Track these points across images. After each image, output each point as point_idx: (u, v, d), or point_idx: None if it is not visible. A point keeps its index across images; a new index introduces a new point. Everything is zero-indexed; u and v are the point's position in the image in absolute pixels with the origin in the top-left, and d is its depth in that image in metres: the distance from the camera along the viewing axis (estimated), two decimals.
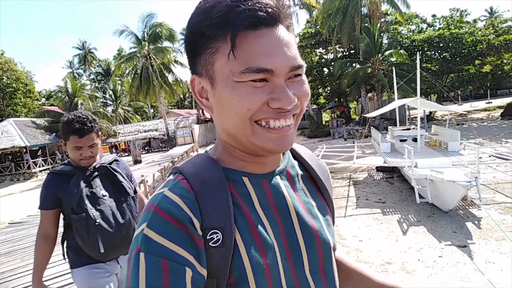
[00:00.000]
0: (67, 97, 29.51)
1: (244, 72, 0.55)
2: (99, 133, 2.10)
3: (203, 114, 35.46)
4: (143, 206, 2.10)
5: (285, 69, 0.57)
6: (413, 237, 6.06)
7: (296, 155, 0.78)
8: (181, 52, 28.32)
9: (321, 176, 0.76)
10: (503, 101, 26.20)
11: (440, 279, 4.61)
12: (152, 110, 50.16)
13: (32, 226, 7.05)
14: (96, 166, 2.06)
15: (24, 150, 25.25)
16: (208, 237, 0.57)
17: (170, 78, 27.56)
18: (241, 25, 0.54)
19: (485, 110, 24.47)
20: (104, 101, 45.22)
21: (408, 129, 11.29)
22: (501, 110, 21.60)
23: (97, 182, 2.03)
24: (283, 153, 0.74)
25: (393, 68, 11.72)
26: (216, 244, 0.58)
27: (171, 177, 0.65)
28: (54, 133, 29.13)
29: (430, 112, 22.59)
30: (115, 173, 2.10)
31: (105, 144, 29.46)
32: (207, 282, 0.58)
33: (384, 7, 20.78)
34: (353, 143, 15.21)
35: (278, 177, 0.69)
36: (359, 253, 5.64)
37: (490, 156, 10.76)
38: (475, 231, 5.98)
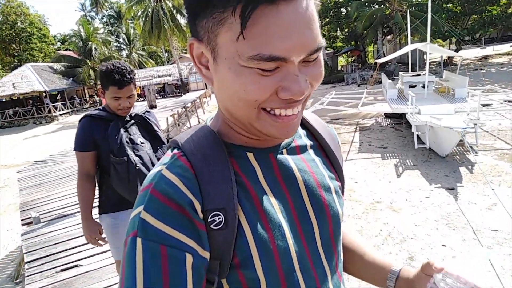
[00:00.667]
0: (81, 42, 29.66)
1: (253, 59, 0.47)
2: (136, 83, 2.13)
3: None
4: None
5: (302, 55, 0.49)
6: (406, 180, 6.40)
7: (305, 123, 0.74)
8: None
9: (331, 145, 0.73)
10: None
11: (422, 217, 5.01)
12: (166, 55, 49.75)
13: (54, 164, 7.86)
14: (132, 115, 2.12)
15: (44, 94, 26.10)
16: (209, 219, 0.54)
17: (182, 21, 26.99)
18: (256, 0, 0.45)
19: (507, 54, 23.38)
20: (118, 45, 45.00)
21: (419, 75, 11.16)
22: None
23: (134, 129, 2.10)
24: None
25: (408, 10, 11.23)
26: (219, 227, 0.55)
27: (169, 151, 0.61)
28: (71, 78, 29.72)
29: (449, 57, 21.75)
30: (150, 122, 2.17)
31: None
32: (209, 264, 0.56)
33: None
34: (366, 88, 15.13)
35: (285, 150, 0.65)
36: (352, 193, 6.05)
37: (502, 102, 10.71)
38: (466, 175, 6.26)
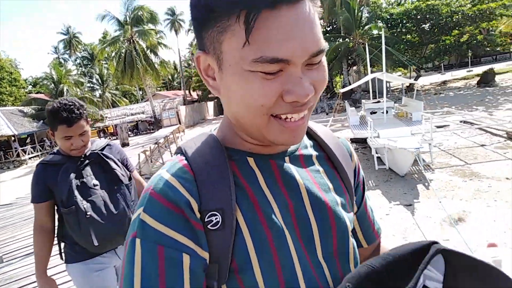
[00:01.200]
0: (52, 84, 29.52)
1: (257, 61, 0.48)
2: (88, 119, 1.96)
3: (190, 94, 35.64)
4: (141, 191, 2.12)
5: (304, 57, 0.49)
6: None
7: (312, 134, 0.73)
8: (164, 34, 28.36)
9: (339, 156, 0.71)
10: (484, 68, 26.77)
11: (382, 234, 5.22)
12: (141, 92, 50.04)
13: (20, 207, 7.84)
14: (87, 154, 1.94)
15: (13, 138, 25.49)
16: (206, 220, 0.55)
17: (155, 60, 27.62)
18: (260, 5, 0.46)
19: (464, 78, 25.04)
20: (91, 85, 45.01)
21: (379, 101, 11.80)
22: (478, 79, 22.17)
23: (88, 170, 1.91)
24: None
25: (366, 43, 12.08)
26: (215, 227, 0.55)
27: (173, 157, 0.63)
28: (42, 121, 29.24)
29: (410, 84, 23.10)
30: (107, 159, 1.97)
31: (93, 128, 29.75)
32: (208, 268, 0.55)
33: None
34: (333, 116, 15.76)
35: (287, 158, 0.65)
36: None
37: (459, 123, 11.40)
38: (423, 192, 6.59)
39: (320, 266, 0.62)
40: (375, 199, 6.59)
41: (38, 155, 27.63)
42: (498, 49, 22.25)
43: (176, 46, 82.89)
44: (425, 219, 5.41)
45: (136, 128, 31.91)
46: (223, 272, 0.56)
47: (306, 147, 0.69)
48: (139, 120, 31.51)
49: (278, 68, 0.49)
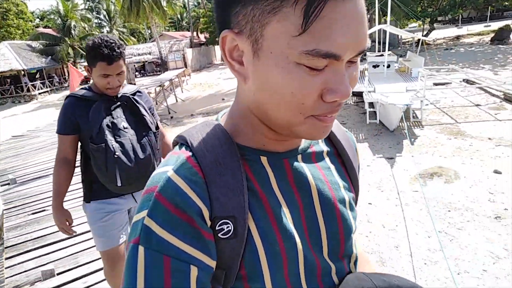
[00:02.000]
0: (60, 19, 29.21)
1: (308, 54, 0.43)
2: (125, 59, 1.94)
3: (198, 37, 34.94)
4: (165, 146, 2.16)
5: (354, 53, 0.46)
6: None
7: None
8: None
9: (348, 152, 0.69)
10: (503, 24, 25.69)
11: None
12: (149, 31, 49.08)
13: (31, 138, 8.54)
14: (119, 96, 1.94)
15: (22, 73, 25.84)
16: (217, 228, 0.51)
17: None
18: None
19: (479, 34, 24.17)
20: (99, 22, 44.18)
21: (382, 55, 11.74)
22: (493, 35, 21.42)
23: (119, 112, 1.91)
24: None
25: None
26: (227, 236, 0.51)
27: (177, 149, 0.57)
28: (50, 56, 29.36)
29: (424, 36, 22.46)
30: (138, 105, 1.96)
31: None
32: (215, 273, 0.52)
33: None
34: None
35: (300, 156, 0.62)
36: None
37: (461, 81, 11.42)
38: (407, 147, 6.96)
39: (329, 267, 0.62)
40: (360, 151, 6.97)
41: (47, 91, 28.16)
42: None
43: None
44: (401, 172, 5.83)
45: (143, 69, 31.87)
46: (230, 278, 0.54)
47: (317, 142, 0.67)
48: (146, 61, 31.36)
49: (326, 63, 0.45)
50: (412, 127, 8.13)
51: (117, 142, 1.82)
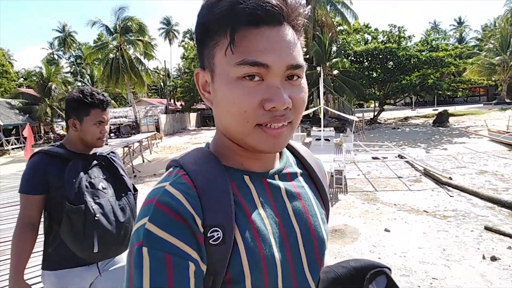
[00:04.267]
0: (41, 81, 30.74)
1: (239, 64, 0.56)
2: None
3: (175, 104, 37.06)
4: None
5: (282, 67, 0.57)
6: None
7: (295, 153, 0.81)
8: (152, 45, 29.84)
9: (318, 174, 0.79)
10: (449, 108, 28.91)
11: None
12: (133, 95, 51.34)
13: None
14: (96, 154, 1.86)
15: None
16: (208, 235, 0.58)
17: (141, 68, 29.09)
18: (241, 22, 0.55)
19: (425, 116, 27.07)
20: (82, 85, 46.15)
21: (323, 130, 13.45)
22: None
23: (96, 172, 1.81)
24: (281, 152, 0.77)
25: (320, 77, 13.72)
26: (216, 242, 0.58)
27: (171, 170, 0.66)
28: (28, 114, 30.33)
29: (374, 116, 25.16)
30: (116, 165, 1.89)
31: None
32: (204, 278, 0.58)
33: (336, 17, 22.84)
34: (291, 139, 17.39)
35: (277, 176, 0.72)
36: None
37: (396, 156, 13.03)
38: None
39: (305, 277, 0.69)
40: None
41: (21, 147, 28.58)
42: (456, 92, 24.46)
43: (169, 55, 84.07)
44: None
45: (118, 131, 33.13)
46: (217, 283, 0.60)
47: (291, 165, 0.77)
48: (121, 124, 32.81)
49: (258, 72, 0.57)
50: (338, 192, 9.37)
51: (96, 203, 1.69)
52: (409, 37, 23.60)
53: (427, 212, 7.43)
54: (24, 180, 1.68)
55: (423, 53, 23.09)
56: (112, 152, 1.98)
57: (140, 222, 0.58)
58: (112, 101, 46.20)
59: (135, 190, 1.96)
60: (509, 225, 6.43)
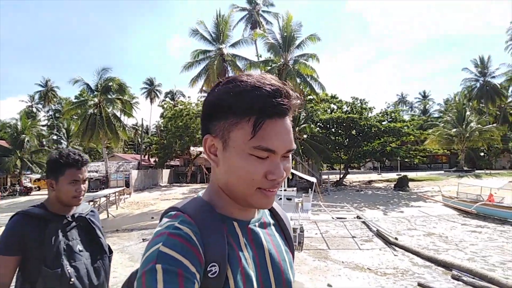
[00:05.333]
0: (15, 134, 30.75)
1: (256, 148, 0.71)
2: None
3: (149, 160, 37.30)
4: None
5: (284, 151, 0.75)
6: None
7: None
8: (130, 103, 30.96)
9: (286, 224, 0.96)
10: (412, 174, 30.45)
11: None
12: (107, 151, 51.20)
13: None
14: (75, 216, 1.85)
15: None
16: (208, 269, 0.70)
17: (117, 125, 29.76)
18: (264, 117, 0.71)
19: (388, 180, 28.44)
20: (58, 138, 45.98)
21: (286, 190, 14.10)
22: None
23: (74, 234, 1.81)
24: None
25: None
26: (214, 276, 0.70)
27: (174, 213, 0.77)
28: None
29: (340, 178, 26.33)
30: (94, 226, 1.90)
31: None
32: None
33: (305, 88, 24.71)
34: None
35: (257, 224, 0.86)
36: None
37: (354, 217, 13.64)
38: None
39: None
40: None
41: None
42: (412, 159, 26.29)
43: (149, 113, 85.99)
44: None
45: (88, 186, 32.72)
46: None
47: (266, 216, 0.93)
48: (91, 178, 32.56)
49: (267, 155, 0.73)
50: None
51: (71, 266, 1.71)
52: (370, 108, 25.85)
53: (370, 269, 7.90)
54: (1, 241, 1.67)
55: (384, 123, 25.15)
56: (92, 211, 2.00)
57: (152, 249, 0.67)
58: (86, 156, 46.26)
59: (110, 251, 1.96)
60: (439, 282, 6.97)
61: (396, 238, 10.15)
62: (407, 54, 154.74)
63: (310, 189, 15.17)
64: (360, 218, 13.27)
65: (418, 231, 11.97)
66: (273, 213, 0.96)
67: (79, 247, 1.79)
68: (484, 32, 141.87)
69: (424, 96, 67.68)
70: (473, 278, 6.82)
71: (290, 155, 0.80)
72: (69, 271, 1.68)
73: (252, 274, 0.76)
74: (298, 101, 0.78)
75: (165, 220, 0.76)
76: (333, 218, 13.20)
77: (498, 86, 44.30)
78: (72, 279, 1.68)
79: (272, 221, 0.93)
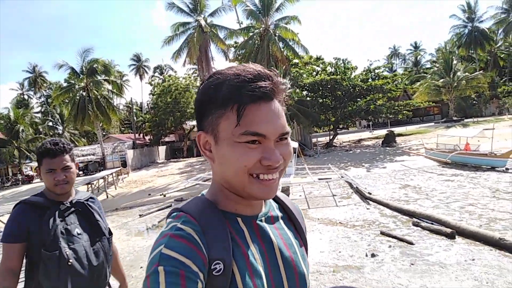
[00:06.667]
0: (9, 124, 31.14)
1: (243, 134, 0.70)
2: (74, 158, 1.99)
3: (144, 138, 37.85)
4: (114, 252, 2.15)
5: (275, 135, 0.73)
6: None
7: (277, 200, 0.94)
8: (117, 83, 31.11)
9: (297, 217, 0.93)
10: (403, 129, 31.04)
11: None
12: (104, 133, 51.66)
13: None
14: (73, 202, 1.95)
15: None
16: (212, 267, 0.69)
17: (107, 107, 29.93)
18: (245, 101, 0.70)
19: (376, 138, 29.09)
20: (53, 124, 46.32)
21: None
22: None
23: (72, 218, 1.90)
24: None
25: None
26: (218, 274, 0.70)
27: (177, 214, 0.78)
28: None
29: (330, 140, 27.07)
30: (92, 210, 1.98)
31: None
32: None
33: (289, 52, 24.71)
34: None
35: (263, 218, 0.84)
36: None
37: (339, 177, 14.35)
38: None
39: None
40: None
41: None
42: (396, 115, 26.88)
43: (141, 90, 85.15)
44: None
45: (86, 169, 33.53)
46: None
47: (274, 209, 0.91)
48: (90, 161, 33.34)
49: (257, 139, 0.72)
50: None
51: (70, 249, 1.79)
52: (353, 67, 25.95)
53: (341, 223, 8.65)
54: (6, 230, 1.80)
55: (370, 80, 25.38)
56: (91, 197, 2.09)
57: (156, 251, 0.68)
58: (82, 139, 46.92)
59: (110, 233, 2.05)
60: (399, 229, 7.73)
61: (369, 193, 10.87)
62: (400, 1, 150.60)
63: (294, 154, 15.81)
64: (343, 177, 13.98)
65: (396, 184, 12.70)
66: (282, 205, 0.95)
67: (77, 230, 1.87)
68: None
69: (416, 47, 66.96)
70: (430, 223, 7.57)
71: (289, 139, 0.79)
72: (67, 253, 1.76)
73: (261, 269, 0.76)
74: (284, 85, 0.78)
75: (168, 221, 0.77)
76: (314, 181, 13.89)
77: (487, 30, 43.94)
78: (71, 260, 1.76)
79: (280, 214, 0.91)
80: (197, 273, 0.66)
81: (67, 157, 1.90)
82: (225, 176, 0.78)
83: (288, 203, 0.95)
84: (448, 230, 6.96)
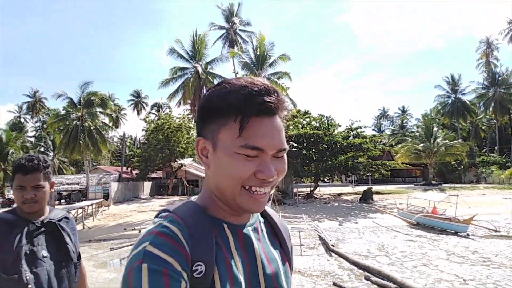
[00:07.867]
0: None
1: (243, 147, 0.71)
2: (50, 177, 1.87)
3: (131, 172, 38.19)
4: (81, 277, 2.04)
5: (273, 150, 0.74)
6: None
7: (265, 215, 0.94)
8: (112, 117, 31.97)
9: (283, 234, 0.93)
10: (383, 188, 31.93)
11: None
12: (94, 163, 51.84)
13: None
14: (44, 221, 1.82)
15: None
16: (193, 268, 0.69)
17: (99, 139, 30.57)
18: (250, 114, 0.71)
19: (356, 193, 29.84)
20: (44, 150, 46.57)
21: None
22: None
23: (41, 239, 1.78)
24: None
25: None
26: (199, 276, 0.69)
27: (164, 214, 0.78)
28: None
29: (311, 191, 27.87)
30: (63, 232, 1.86)
31: None
32: None
33: None
34: None
35: (250, 228, 0.84)
36: None
37: (312, 228, 14.81)
38: None
39: None
40: None
41: None
42: (374, 173, 28.08)
43: (138, 125, 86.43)
44: None
45: (69, 197, 33.48)
46: None
47: (260, 222, 0.91)
48: (74, 190, 33.39)
49: (255, 154, 0.72)
50: None
51: (32, 272, 1.68)
52: (335, 125, 27.42)
53: (300, 271, 9.14)
54: None
55: (350, 138, 26.72)
56: (65, 217, 1.96)
57: (139, 248, 0.67)
58: (71, 168, 47.01)
59: (79, 258, 1.96)
60: (351, 282, 8.26)
61: (333, 245, 11.44)
62: (392, 68, 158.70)
63: (269, 201, 16.44)
64: (314, 228, 14.50)
65: (362, 240, 13.29)
66: (269, 220, 0.94)
67: (43, 252, 1.76)
68: (467, 45, 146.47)
69: (403, 111, 70.24)
70: (379, 278, 8.14)
71: (285, 156, 0.80)
72: (27, 277, 1.64)
73: (241, 278, 0.76)
74: (287, 103, 0.79)
75: (155, 220, 0.77)
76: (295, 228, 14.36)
77: (468, 103, 46.63)
78: (30, 286, 1.64)
79: (265, 229, 0.92)
80: (180, 272, 0.66)
81: (39, 175, 1.79)
82: (217, 184, 0.79)
83: (276, 219, 0.95)
84: (393, 286, 7.54)
